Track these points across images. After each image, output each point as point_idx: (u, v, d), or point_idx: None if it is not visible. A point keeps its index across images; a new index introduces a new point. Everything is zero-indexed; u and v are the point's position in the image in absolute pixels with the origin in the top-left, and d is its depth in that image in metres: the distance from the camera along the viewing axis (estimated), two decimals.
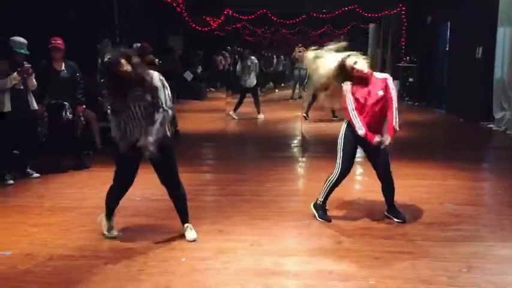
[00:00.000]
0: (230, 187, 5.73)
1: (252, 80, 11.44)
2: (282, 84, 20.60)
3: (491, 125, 9.74)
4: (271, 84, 19.96)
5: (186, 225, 4.15)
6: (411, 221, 4.45)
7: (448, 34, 12.76)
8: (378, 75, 4.36)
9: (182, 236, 4.14)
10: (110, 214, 4.18)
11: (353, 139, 4.36)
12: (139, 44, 12.25)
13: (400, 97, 15.54)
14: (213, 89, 18.40)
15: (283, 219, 4.58)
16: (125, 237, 4.16)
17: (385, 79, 4.32)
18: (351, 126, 4.35)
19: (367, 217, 4.56)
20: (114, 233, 4.18)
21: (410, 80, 14.87)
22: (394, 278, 3.37)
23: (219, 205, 5.06)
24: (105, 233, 4.16)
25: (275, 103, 14.92)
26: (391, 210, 4.51)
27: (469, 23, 11.03)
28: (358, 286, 3.28)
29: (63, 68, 6.38)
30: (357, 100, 4.26)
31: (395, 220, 4.42)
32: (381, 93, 4.25)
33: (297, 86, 15.23)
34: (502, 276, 3.39)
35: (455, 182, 5.84)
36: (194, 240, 4.04)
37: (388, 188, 4.46)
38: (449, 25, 12.75)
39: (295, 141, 8.83)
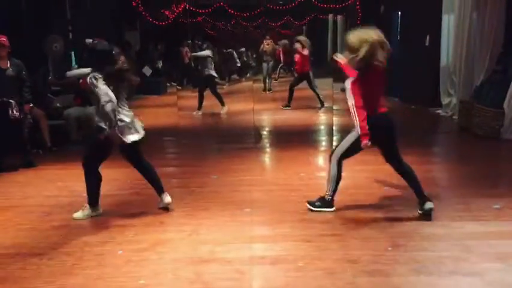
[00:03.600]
0: (177, 180, 5.78)
1: (210, 72, 11.10)
2: (248, 75, 20.80)
3: (439, 111, 10.04)
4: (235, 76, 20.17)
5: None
6: (349, 205, 4.59)
7: (399, 23, 13.04)
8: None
9: (121, 229, 4.20)
10: (95, 202, 4.52)
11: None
12: (91, 40, 12.16)
13: None
14: (174, 84, 18.13)
15: (224, 208, 4.66)
16: (63, 233, 4.17)
17: None
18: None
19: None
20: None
21: None
22: (322, 259, 3.50)
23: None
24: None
25: (239, 95, 14.97)
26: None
27: (417, 11, 11.30)
28: (288, 268, 3.40)
29: (8, 65, 6.29)
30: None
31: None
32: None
33: (267, 78, 15.31)
34: (423, 252, 3.57)
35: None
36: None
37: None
38: (399, 14, 13.03)
39: (251, 133, 8.93)
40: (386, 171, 5.70)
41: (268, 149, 7.78)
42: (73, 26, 12.43)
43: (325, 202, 4.45)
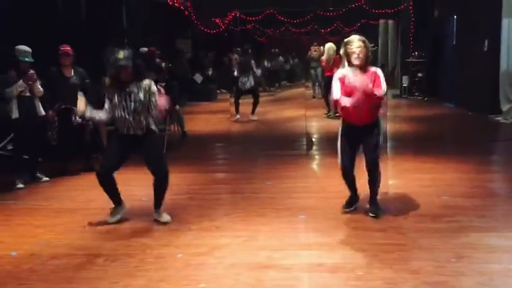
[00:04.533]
0: (231, 186, 5.86)
1: (250, 81, 11.15)
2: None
3: (498, 118, 9.69)
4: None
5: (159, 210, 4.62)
6: (406, 214, 4.51)
7: (455, 27, 12.70)
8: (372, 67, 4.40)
9: (178, 233, 4.31)
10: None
11: (349, 136, 4.44)
12: (146, 49, 12.50)
13: (410, 92, 15.60)
14: (224, 91, 18.33)
15: (280, 215, 4.68)
16: (124, 235, 4.31)
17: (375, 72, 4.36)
18: (345, 124, 4.45)
19: (362, 210, 4.62)
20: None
21: (420, 75, 14.84)
22: (381, 269, 3.45)
23: (218, 203, 5.18)
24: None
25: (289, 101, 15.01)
26: (371, 203, 4.55)
27: (474, 15, 10.98)
28: (346, 277, 3.37)
29: (72, 74, 6.58)
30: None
31: (370, 214, 4.48)
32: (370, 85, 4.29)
33: (316, 84, 15.28)
34: (488, 264, 3.45)
35: (456, 175, 5.88)
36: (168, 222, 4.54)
37: (371, 181, 4.51)
38: (455, 18, 12.69)
39: (301, 140, 8.92)
40: (445, 180, 5.62)
41: (319, 156, 7.74)
42: (129, 35, 12.84)
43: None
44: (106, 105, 4.50)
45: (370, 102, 4.32)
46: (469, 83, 11.33)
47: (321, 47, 21.86)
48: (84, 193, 5.70)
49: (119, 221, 4.62)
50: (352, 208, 4.66)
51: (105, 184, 4.54)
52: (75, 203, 5.37)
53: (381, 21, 22.12)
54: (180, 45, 16.00)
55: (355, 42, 4.31)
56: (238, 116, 11.35)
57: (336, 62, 18.88)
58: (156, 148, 4.65)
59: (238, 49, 19.59)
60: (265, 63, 17.99)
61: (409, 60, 16.01)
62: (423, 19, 14.82)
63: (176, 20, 15.98)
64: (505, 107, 9.60)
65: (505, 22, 9.55)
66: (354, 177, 4.60)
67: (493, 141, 8.29)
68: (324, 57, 11.49)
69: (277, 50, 21.09)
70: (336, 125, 4.63)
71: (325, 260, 3.67)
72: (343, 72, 4.42)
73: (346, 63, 4.41)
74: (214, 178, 6.30)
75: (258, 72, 11.65)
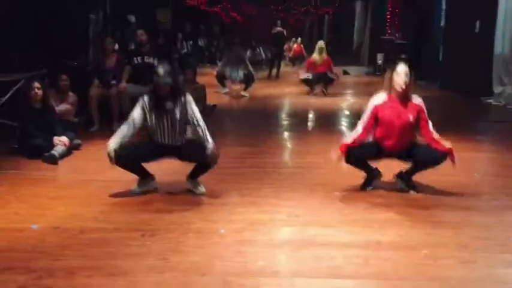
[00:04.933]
0: (248, 160, 5.58)
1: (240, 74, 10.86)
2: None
3: (490, 100, 9.77)
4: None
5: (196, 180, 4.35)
6: (444, 192, 4.37)
7: (444, 9, 12.70)
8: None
9: (212, 207, 4.03)
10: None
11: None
12: (133, 17, 11.92)
13: (385, 72, 15.59)
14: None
15: (313, 190, 4.45)
16: (154, 209, 3.99)
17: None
18: None
19: (395, 187, 4.45)
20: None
21: (403, 56, 14.83)
22: (445, 246, 3.29)
23: (242, 178, 4.87)
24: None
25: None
26: (410, 179, 4.38)
27: None
28: (412, 256, 3.19)
29: None
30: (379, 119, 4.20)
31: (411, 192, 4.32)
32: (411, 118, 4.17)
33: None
34: None
35: (473, 154, 5.82)
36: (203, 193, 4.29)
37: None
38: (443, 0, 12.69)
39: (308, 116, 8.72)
40: (465, 158, 5.51)
41: (322, 132, 7.55)
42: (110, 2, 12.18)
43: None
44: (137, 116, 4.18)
45: (410, 136, 4.21)
46: (457, 65, 11.37)
47: (294, 40, 21.67)
48: (92, 164, 5.27)
49: (143, 193, 4.29)
50: (372, 186, 4.39)
51: (124, 165, 4.20)
52: (85, 174, 4.97)
53: (357, 2, 22.12)
54: (160, 15, 15.38)
55: (402, 66, 4.16)
56: (226, 89, 11.04)
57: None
58: (196, 150, 4.25)
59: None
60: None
61: (384, 38, 16.07)
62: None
63: None
64: (497, 89, 9.67)
65: (502, 4, 9.55)
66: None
67: (496, 121, 8.30)
68: (316, 59, 11.07)
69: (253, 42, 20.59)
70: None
71: (379, 237, 3.47)
72: (379, 100, 4.21)
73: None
74: (226, 152, 5.98)
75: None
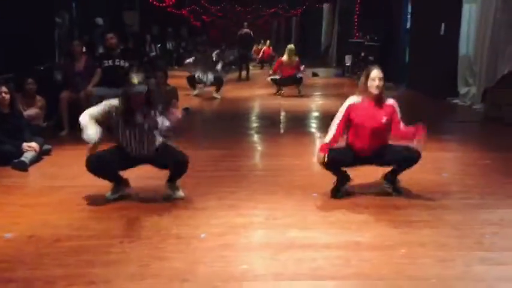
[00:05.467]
0: (223, 163, 5.56)
1: (209, 78, 10.89)
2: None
3: (456, 100, 10.01)
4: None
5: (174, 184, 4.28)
6: (416, 192, 4.45)
7: (409, 11, 12.97)
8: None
9: (190, 212, 4.00)
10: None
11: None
12: (101, 20, 11.73)
13: (353, 71, 15.92)
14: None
15: (290, 193, 4.47)
16: (131, 215, 3.93)
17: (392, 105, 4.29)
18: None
19: (371, 189, 4.51)
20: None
21: (370, 58, 15.08)
22: (424, 246, 3.36)
23: (219, 181, 4.85)
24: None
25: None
26: (395, 180, 4.42)
27: (432, 0, 11.22)
28: (391, 255, 3.24)
29: None
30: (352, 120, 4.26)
31: (394, 192, 4.36)
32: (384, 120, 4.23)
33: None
34: None
35: (442, 154, 5.96)
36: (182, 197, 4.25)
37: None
38: (410, 2, 12.95)
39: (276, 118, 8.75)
40: (432, 158, 5.64)
41: (293, 134, 7.60)
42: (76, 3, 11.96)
43: None
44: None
45: (382, 139, 4.27)
46: (423, 66, 11.63)
47: (263, 43, 21.66)
48: (63, 170, 5.18)
49: (117, 199, 4.22)
50: (341, 194, 4.31)
51: (98, 171, 4.11)
52: (56, 180, 4.86)
53: (325, 5, 22.36)
54: (127, 18, 15.17)
55: (376, 71, 4.21)
56: (197, 91, 11.00)
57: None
58: (168, 153, 4.20)
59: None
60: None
61: (352, 40, 16.30)
62: (374, 2, 14.99)
63: None
64: (463, 90, 9.93)
65: (466, 7, 9.81)
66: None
67: (461, 122, 8.52)
68: (285, 60, 11.15)
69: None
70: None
71: (358, 238, 3.51)
72: (354, 100, 4.29)
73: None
74: (201, 155, 5.95)
75: (219, 67, 11.33)
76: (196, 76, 10.90)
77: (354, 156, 4.29)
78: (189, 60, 11.78)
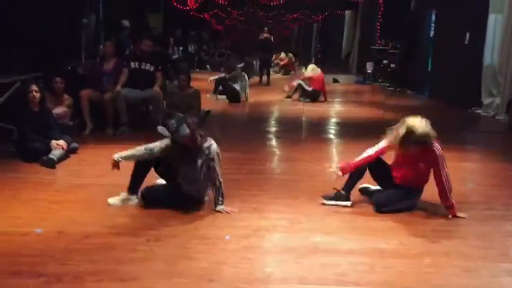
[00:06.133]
0: (245, 166, 5.61)
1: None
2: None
3: (479, 111, 9.92)
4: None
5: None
6: (439, 201, 4.41)
7: (433, 20, 12.90)
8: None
9: (216, 214, 4.05)
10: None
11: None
12: (127, 21, 11.88)
13: (374, 79, 15.89)
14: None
15: (312, 197, 4.49)
16: (158, 215, 3.99)
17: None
18: None
19: None
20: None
21: (392, 65, 15.03)
22: (448, 256, 3.35)
23: (242, 184, 4.89)
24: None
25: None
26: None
27: (456, 10, 11.15)
28: (416, 264, 3.24)
29: None
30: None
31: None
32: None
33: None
34: None
35: (466, 164, 5.93)
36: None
37: None
38: (434, 12, 12.89)
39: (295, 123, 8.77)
40: (458, 168, 5.61)
41: (313, 140, 7.61)
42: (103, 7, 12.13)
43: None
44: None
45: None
46: (446, 75, 11.55)
47: (283, 55, 21.70)
48: (89, 168, 5.28)
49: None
50: (331, 203, 4.28)
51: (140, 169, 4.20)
52: (82, 178, 4.95)
53: (347, 12, 22.33)
54: (151, 20, 15.34)
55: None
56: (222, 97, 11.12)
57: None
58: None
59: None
60: None
61: (374, 47, 16.25)
62: (397, 10, 14.93)
63: None
64: (486, 101, 9.83)
65: (492, 17, 9.74)
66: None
67: (484, 132, 8.44)
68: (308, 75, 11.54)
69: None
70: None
71: (383, 245, 3.52)
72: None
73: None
74: (223, 157, 5.99)
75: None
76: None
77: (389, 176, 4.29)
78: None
